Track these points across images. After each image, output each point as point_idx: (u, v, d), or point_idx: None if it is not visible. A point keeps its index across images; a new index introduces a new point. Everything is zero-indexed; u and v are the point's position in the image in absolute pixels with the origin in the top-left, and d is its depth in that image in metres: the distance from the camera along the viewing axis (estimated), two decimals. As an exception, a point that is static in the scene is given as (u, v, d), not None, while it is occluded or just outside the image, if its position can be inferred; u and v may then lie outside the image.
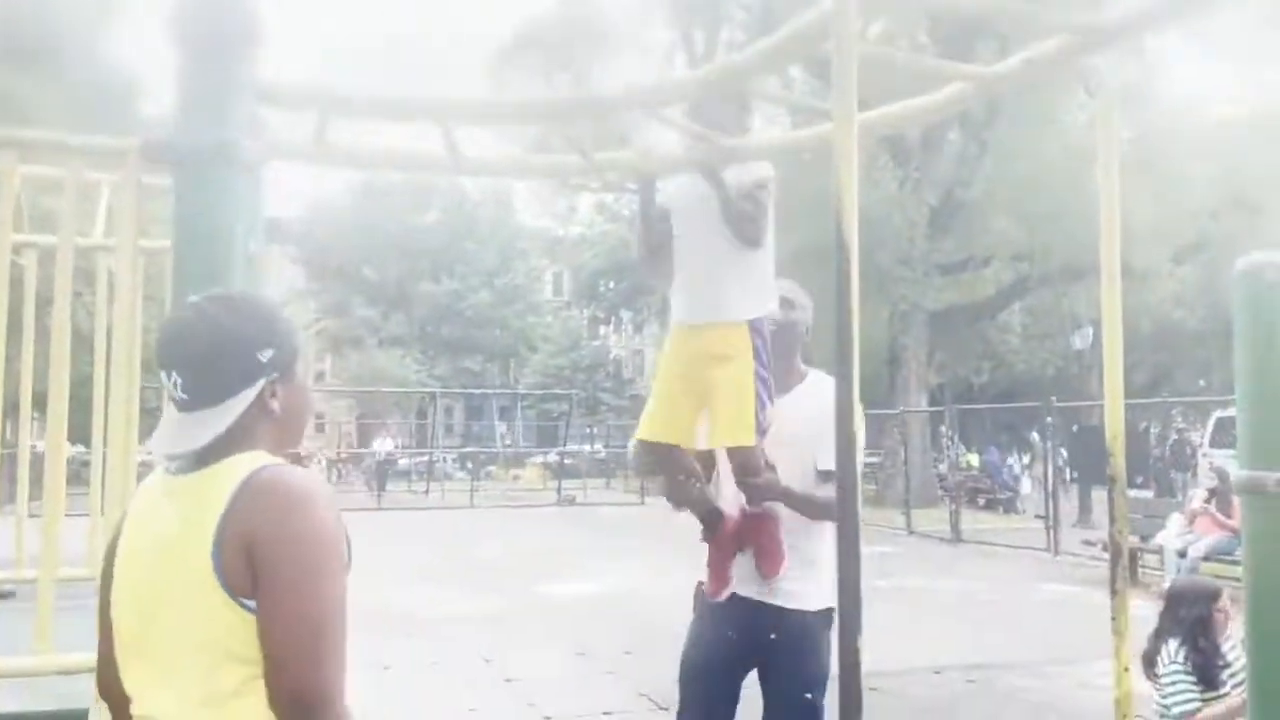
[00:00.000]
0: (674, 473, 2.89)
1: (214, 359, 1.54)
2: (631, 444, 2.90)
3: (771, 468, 2.78)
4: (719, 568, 2.86)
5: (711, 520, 2.88)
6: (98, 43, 23.25)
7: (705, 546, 2.93)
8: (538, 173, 16.18)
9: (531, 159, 6.06)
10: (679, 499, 2.92)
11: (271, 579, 1.44)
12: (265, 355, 1.57)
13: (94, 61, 22.55)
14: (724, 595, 2.85)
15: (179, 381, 1.53)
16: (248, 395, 1.55)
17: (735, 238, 2.72)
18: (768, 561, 2.80)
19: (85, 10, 22.12)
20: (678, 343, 2.85)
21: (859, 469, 1.78)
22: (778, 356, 2.83)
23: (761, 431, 2.70)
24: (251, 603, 1.45)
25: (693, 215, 2.80)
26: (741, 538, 2.84)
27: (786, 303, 2.91)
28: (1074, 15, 2.51)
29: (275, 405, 1.60)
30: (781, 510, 2.84)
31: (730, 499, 2.88)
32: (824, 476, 2.79)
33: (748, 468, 2.74)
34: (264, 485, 1.48)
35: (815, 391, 2.86)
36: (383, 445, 29.01)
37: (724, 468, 2.90)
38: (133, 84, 23.72)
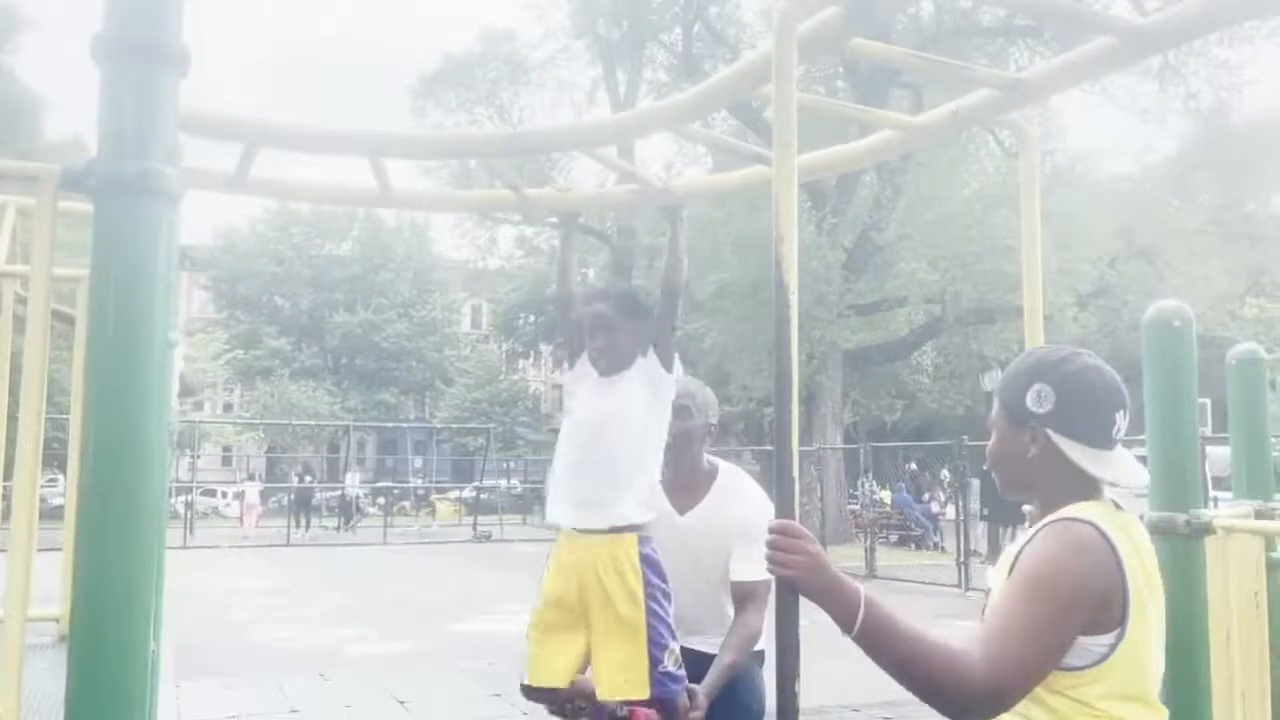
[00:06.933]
0: (564, 703, 2.63)
1: None
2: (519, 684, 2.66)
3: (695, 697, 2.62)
4: None
5: None
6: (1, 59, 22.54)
7: None
8: (467, 206, 16.13)
9: (462, 194, 6.04)
10: None
11: None
12: None
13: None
14: None
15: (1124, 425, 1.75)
16: None
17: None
18: None
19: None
20: (564, 553, 2.61)
21: (796, 510, 1.78)
22: (679, 468, 2.85)
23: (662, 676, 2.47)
24: None
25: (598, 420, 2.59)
26: None
27: (682, 410, 2.82)
28: (999, 71, 2.60)
29: None
30: (699, 583, 2.84)
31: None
32: (738, 590, 2.81)
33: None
34: None
35: (726, 499, 2.89)
36: (353, 479, 28.42)
37: None
38: (37, 103, 23.01)
